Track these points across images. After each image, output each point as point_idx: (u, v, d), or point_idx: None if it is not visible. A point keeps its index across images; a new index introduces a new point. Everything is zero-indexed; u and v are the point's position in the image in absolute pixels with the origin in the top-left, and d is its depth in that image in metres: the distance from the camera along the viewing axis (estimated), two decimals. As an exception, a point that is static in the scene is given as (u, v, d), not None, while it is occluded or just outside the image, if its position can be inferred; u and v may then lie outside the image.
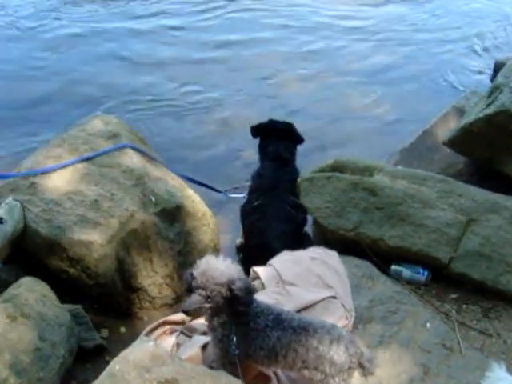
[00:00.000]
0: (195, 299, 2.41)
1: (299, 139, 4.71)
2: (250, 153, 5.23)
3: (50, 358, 2.98)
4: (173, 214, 3.95)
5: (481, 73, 7.49)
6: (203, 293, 2.36)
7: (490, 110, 4.15)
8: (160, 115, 6.51)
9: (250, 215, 4.34)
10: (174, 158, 5.22)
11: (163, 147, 5.19)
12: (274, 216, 4.17)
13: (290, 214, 4.18)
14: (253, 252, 4.00)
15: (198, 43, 7.79)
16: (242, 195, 4.74)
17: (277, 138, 4.59)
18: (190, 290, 2.44)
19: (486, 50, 8.04)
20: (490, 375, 2.30)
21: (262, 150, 4.67)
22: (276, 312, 2.49)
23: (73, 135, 4.23)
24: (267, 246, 3.83)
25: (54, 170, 3.84)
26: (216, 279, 2.35)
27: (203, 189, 4.65)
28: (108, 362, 2.42)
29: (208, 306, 2.39)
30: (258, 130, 4.71)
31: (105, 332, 3.66)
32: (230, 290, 2.35)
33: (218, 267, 2.38)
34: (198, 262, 2.45)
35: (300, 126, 4.82)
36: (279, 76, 7.35)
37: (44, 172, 3.82)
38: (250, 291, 2.41)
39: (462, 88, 6.98)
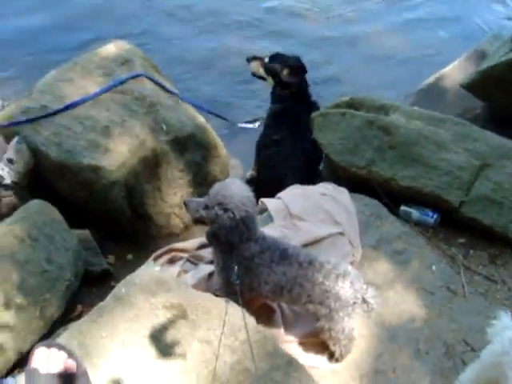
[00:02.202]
0: (199, 201, 2.43)
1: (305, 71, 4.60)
2: (264, 88, 5.13)
3: (56, 280, 3.02)
4: (184, 143, 3.91)
5: (506, 19, 7.31)
6: (210, 213, 2.37)
7: (514, 55, 4.07)
8: (174, 47, 6.44)
9: (267, 148, 4.34)
10: (187, 90, 5.15)
11: (176, 79, 5.12)
12: (292, 151, 4.15)
13: (308, 151, 4.15)
14: (266, 185, 3.97)
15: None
16: (252, 126, 4.70)
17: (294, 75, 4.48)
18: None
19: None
20: (496, 323, 2.30)
21: (280, 85, 4.54)
22: (282, 247, 2.49)
23: (86, 59, 4.17)
24: (281, 179, 3.81)
25: (75, 105, 3.77)
26: (222, 203, 2.35)
27: (215, 120, 4.61)
28: (114, 288, 2.45)
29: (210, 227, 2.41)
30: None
31: (111, 258, 3.69)
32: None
33: (228, 193, 2.37)
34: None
35: (315, 63, 4.73)
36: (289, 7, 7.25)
37: (65, 109, 3.73)
38: (233, 229, 2.39)
39: (485, 32, 6.82)
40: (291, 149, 4.19)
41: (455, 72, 5.09)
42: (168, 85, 4.26)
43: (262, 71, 4.51)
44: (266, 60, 4.46)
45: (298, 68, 4.43)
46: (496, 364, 2.19)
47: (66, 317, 3.08)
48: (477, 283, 3.31)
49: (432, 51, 6.46)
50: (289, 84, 4.39)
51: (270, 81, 4.48)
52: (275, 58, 4.49)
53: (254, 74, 4.61)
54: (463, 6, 7.52)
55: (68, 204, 3.56)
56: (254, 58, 4.56)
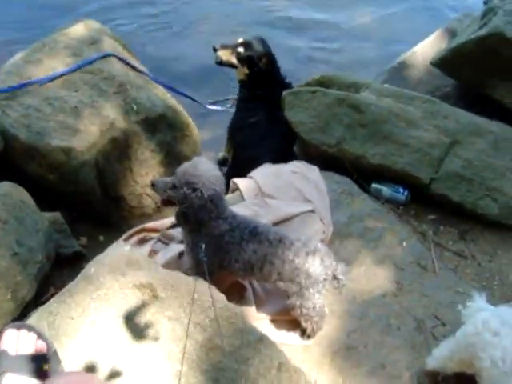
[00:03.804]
0: (167, 181, 2.43)
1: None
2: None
3: (27, 262, 2.97)
4: (154, 123, 3.88)
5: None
6: (178, 193, 2.37)
7: (483, 32, 4.07)
8: (145, 27, 6.43)
9: (242, 131, 4.34)
10: (158, 68, 5.12)
11: (147, 57, 5.08)
12: (269, 133, 4.16)
13: (284, 133, 4.13)
14: (243, 166, 3.92)
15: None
16: (221, 108, 4.66)
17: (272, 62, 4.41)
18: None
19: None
20: (470, 305, 2.34)
21: (257, 74, 4.41)
22: (252, 225, 2.49)
23: (54, 39, 4.11)
24: (258, 161, 3.78)
25: (43, 82, 3.72)
26: (189, 182, 2.35)
27: (187, 100, 4.57)
28: (86, 269, 2.43)
29: (179, 207, 2.41)
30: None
31: (83, 240, 3.66)
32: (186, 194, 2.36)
33: (196, 172, 2.36)
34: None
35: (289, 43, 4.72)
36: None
37: (31, 84, 3.69)
38: (201, 208, 2.38)
39: (455, 11, 6.85)
40: (268, 131, 4.19)
41: (426, 50, 5.09)
42: (138, 64, 4.22)
43: (234, 60, 4.39)
44: (240, 50, 4.33)
45: (272, 55, 4.39)
46: (469, 345, 2.23)
47: (38, 299, 3.06)
48: (447, 259, 3.35)
49: (403, 29, 6.48)
50: (265, 72, 4.35)
51: (244, 70, 4.38)
52: (249, 46, 4.35)
53: (220, 63, 4.44)
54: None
55: (38, 186, 3.51)
56: (224, 47, 4.41)
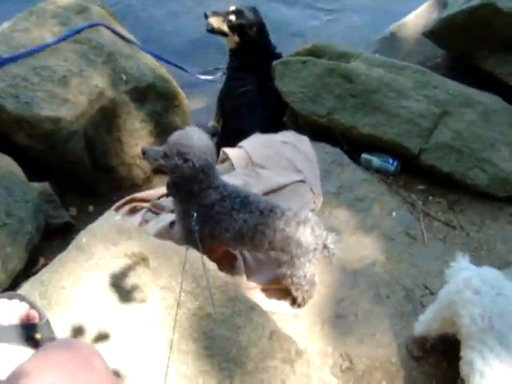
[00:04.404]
0: (158, 150, 2.42)
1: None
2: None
3: (17, 233, 2.97)
4: (144, 93, 3.85)
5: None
6: (169, 162, 2.36)
7: (474, 3, 4.06)
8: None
9: (233, 100, 4.32)
10: (147, 38, 5.08)
11: (136, 27, 5.02)
12: (259, 103, 4.15)
13: (274, 103, 4.12)
14: (233, 136, 3.91)
15: None
16: (212, 77, 4.63)
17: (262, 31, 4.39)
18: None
19: None
20: (453, 265, 2.37)
21: (247, 43, 4.38)
22: (243, 195, 2.49)
23: (41, 8, 4.04)
24: (249, 130, 3.76)
25: (30, 53, 3.66)
26: (181, 152, 2.34)
27: (176, 70, 4.53)
28: (76, 240, 2.42)
29: (170, 177, 2.40)
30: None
31: (73, 210, 3.65)
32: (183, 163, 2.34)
33: (187, 142, 2.35)
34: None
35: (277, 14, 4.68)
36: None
37: (20, 56, 3.62)
38: (192, 178, 2.38)
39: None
40: (258, 100, 4.18)
41: (417, 20, 5.07)
42: (126, 34, 4.17)
43: (225, 28, 4.34)
44: (232, 17, 4.28)
45: (264, 24, 4.35)
46: (450, 303, 2.26)
47: (29, 270, 3.05)
48: (436, 229, 3.36)
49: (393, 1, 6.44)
50: (256, 41, 4.32)
51: (235, 38, 4.34)
52: (240, 14, 4.30)
53: (212, 31, 4.40)
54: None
55: (27, 157, 3.49)
56: (215, 14, 4.36)
